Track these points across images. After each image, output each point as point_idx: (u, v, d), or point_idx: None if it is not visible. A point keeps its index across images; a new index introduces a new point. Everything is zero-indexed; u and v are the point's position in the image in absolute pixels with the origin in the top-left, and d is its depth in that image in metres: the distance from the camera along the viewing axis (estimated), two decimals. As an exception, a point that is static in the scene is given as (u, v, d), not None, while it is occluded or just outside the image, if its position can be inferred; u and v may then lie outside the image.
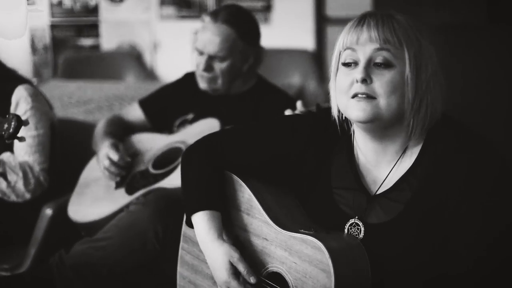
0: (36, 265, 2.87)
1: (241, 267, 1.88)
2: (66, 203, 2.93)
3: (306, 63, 5.38)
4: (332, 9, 5.39)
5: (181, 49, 5.41)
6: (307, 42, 5.44)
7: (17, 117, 2.54)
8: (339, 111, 1.86)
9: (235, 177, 2.02)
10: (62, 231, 2.87)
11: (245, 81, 2.95)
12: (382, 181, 1.85)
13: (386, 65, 1.74)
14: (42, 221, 2.97)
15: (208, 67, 2.85)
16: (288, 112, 2.38)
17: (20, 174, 2.90)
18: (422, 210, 1.77)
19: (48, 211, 2.97)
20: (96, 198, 2.85)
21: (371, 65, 1.75)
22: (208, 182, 2.01)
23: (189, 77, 3.05)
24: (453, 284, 1.77)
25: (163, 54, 5.60)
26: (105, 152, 2.82)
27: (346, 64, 1.79)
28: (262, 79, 3.02)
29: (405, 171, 1.82)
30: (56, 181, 3.07)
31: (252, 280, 1.87)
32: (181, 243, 2.22)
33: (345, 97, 1.79)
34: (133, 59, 5.58)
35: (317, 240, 1.74)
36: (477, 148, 1.78)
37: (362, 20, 1.79)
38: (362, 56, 1.76)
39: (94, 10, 5.72)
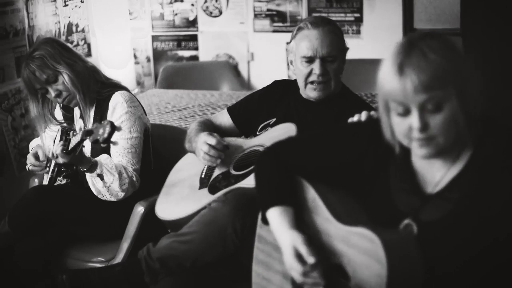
0: (129, 258, 3.05)
1: (302, 249, 1.99)
2: (156, 200, 3.07)
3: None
4: (421, 22, 5.34)
5: (274, 60, 5.42)
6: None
7: (111, 123, 2.75)
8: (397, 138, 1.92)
9: (301, 179, 2.15)
10: (153, 227, 3.02)
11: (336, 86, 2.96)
12: (436, 183, 1.93)
13: (437, 108, 1.79)
14: (135, 218, 3.17)
15: (325, 71, 2.85)
16: (355, 117, 2.43)
17: (116, 175, 3.09)
18: (472, 210, 1.83)
19: (140, 209, 3.16)
20: (181, 197, 2.97)
21: (423, 112, 1.80)
22: (279, 181, 2.15)
23: (276, 85, 3.13)
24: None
25: (257, 65, 5.66)
26: (203, 140, 2.91)
27: (400, 114, 1.84)
28: (346, 87, 3.04)
29: (457, 171, 1.90)
30: (149, 181, 3.23)
31: (310, 260, 1.96)
32: (256, 243, 2.35)
33: (406, 139, 1.86)
34: (229, 69, 5.62)
35: (372, 233, 1.84)
36: None
37: (401, 70, 1.78)
38: (413, 106, 1.79)
39: (193, 23, 5.84)
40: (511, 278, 1.84)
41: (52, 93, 3.20)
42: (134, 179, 3.14)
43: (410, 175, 1.99)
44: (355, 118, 2.42)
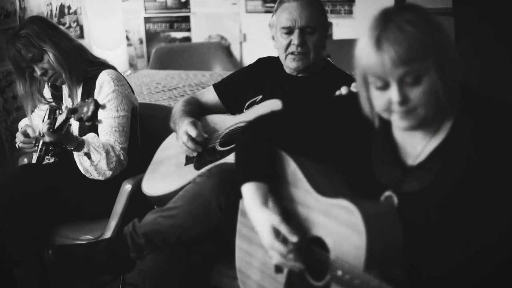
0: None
1: (283, 229, 2.01)
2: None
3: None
4: (413, 1, 5.31)
5: (266, 41, 5.42)
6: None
7: (95, 101, 2.76)
8: (375, 112, 1.93)
9: (282, 153, 2.17)
10: (140, 205, 3.03)
11: (318, 62, 2.97)
12: (417, 154, 1.94)
13: (417, 81, 1.80)
14: (122, 196, 3.18)
15: (303, 42, 2.86)
16: (337, 92, 2.47)
17: (103, 154, 3.09)
18: (453, 180, 1.85)
19: (128, 187, 3.18)
20: (167, 174, 2.99)
21: (402, 85, 1.81)
22: (258, 156, 2.17)
23: (262, 62, 3.13)
24: (484, 255, 1.84)
25: (250, 46, 5.66)
26: (185, 129, 2.93)
27: (379, 88, 1.85)
28: (330, 63, 3.05)
29: (438, 143, 1.91)
30: (137, 159, 3.25)
31: (294, 239, 1.99)
32: (239, 217, 2.39)
33: (387, 112, 1.87)
34: (221, 50, 5.63)
35: (352, 204, 1.85)
36: (507, 119, 1.85)
37: (378, 44, 1.78)
38: (392, 80, 1.81)
39: (185, 4, 5.84)
40: (493, 247, 1.84)
41: (38, 72, 3.20)
42: (122, 157, 3.15)
43: (391, 147, 2.00)
44: (337, 93, 2.44)
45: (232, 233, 2.46)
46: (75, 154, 3.12)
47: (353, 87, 2.45)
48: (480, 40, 4.50)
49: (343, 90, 2.39)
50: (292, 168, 2.12)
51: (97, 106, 2.77)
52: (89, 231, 3.22)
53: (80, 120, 2.81)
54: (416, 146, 1.96)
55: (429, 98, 1.81)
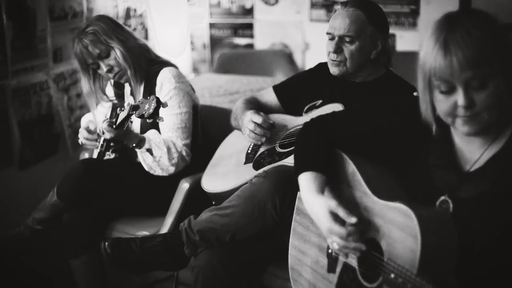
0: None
1: (340, 212, 2.00)
2: (201, 177, 3.13)
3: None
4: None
5: (329, 50, 5.45)
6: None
7: (157, 99, 2.79)
8: (435, 117, 1.93)
9: (342, 153, 2.17)
10: (197, 203, 3.06)
11: (374, 70, 2.97)
12: (474, 161, 1.92)
13: (483, 86, 1.78)
14: (180, 194, 3.22)
15: (338, 49, 2.88)
16: None
17: (164, 149, 3.13)
18: (510, 187, 1.83)
19: (186, 185, 3.21)
20: (226, 171, 3.03)
21: (469, 89, 1.79)
22: (316, 149, 2.18)
23: (321, 66, 3.13)
24: None
25: (312, 54, 5.65)
26: (249, 118, 2.96)
27: (444, 92, 1.83)
28: (391, 71, 3.04)
29: (497, 150, 1.89)
30: (196, 157, 3.27)
31: (352, 220, 1.97)
32: (294, 216, 2.40)
33: (450, 116, 1.85)
34: (283, 58, 5.63)
35: (408, 208, 1.85)
36: None
37: (445, 46, 1.77)
38: (459, 84, 1.79)
39: (249, 11, 5.87)
40: None
41: (104, 68, 3.26)
42: (184, 153, 3.18)
43: (448, 152, 1.99)
44: None
45: (286, 235, 2.47)
46: (138, 151, 3.16)
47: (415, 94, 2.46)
48: None
49: None
50: (351, 169, 2.13)
51: (159, 103, 2.80)
52: (146, 227, 3.27)
53: (141, 117, 2.84)
54: (473, 152, 1.94)
55: (494, 103, 1.79)
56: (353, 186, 2.11)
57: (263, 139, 2.96)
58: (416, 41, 5.24)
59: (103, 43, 3.21)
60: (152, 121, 3.09)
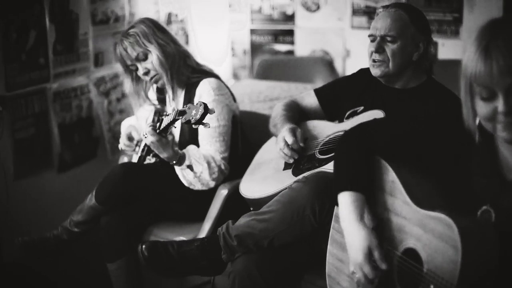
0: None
1: (377, 254, 2.02)
2: (239, 183, 3.12)
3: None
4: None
5: (370, 57, 5.40)
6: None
7: (205, 105, 2.79)
8: (478, 123, 1.91)
9: (382, 161, 2.15)
10: (235, 209, 3.05)
11: (416, 76, 2.96)
12: None
13: None
14: (218, 200, 3.22)
15: (379, 48, 2.88)
16: None
17: (205, 164, 3.13)
18: None
19: (224, 191, 3.21)
20: (265, 177, 3.02)
21: (509, 95, 1.76)
22: (358, 165, 2.16)
23: (363, 72, 3.12)
24: None
25: (353, 61, 5.61)
26: (283, 135, 2.96)
27: (485, 99, 1.81)
28: (433, 78, 3.02)
29: None
30: (237, 166, 3.28)
31: (383, 266, 1.99)
32: (332, 223, 2.38)
33: (490, 123, 1.83)
34: (324, 65, 5.60)
35: (449, 218, 1.82)
36: None
37: (487, 51, 1.75)
38: (499, 90, 1.77)
39: (290, 18, 5.85)
40: None
41: (141, 71, 3.29)
42: (223, 167, 3.19)
43: (491, 160, 1.96)
44: None
45: (324, 242, 2.45)
46: (178, 169, 3.17)
47: None
48: None
49: None
50: (391, 177, 2.11)
51: (206, 110, 2.80)
52: (183, 232, 3.27)
53: (187, 122, 2.84)
54: None
55: None
56: (393, 195, 2.09)
57: (291, 160, 2.96)
58: (459, 49, 5.18)
59: (141, 46, 3.24)
60: (190, 136, 3.10)
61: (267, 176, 3.02)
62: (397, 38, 2.87)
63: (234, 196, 3.12)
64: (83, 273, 3.59)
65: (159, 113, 3.41)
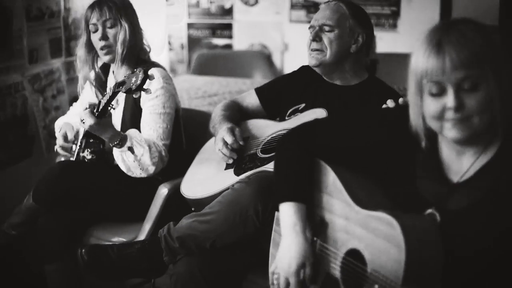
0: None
1: (308, 271, 2.06)
2: (180, 183, 3.08)
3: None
4: (458, 16, 5.28)
5: (309, 51, 5.42)
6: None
7: (144, 71, 2.76)
8: (425, 125, 1.91)
9: (322, 162, 2.14)
10: (176, 209, 3.01)
11: (357, 73, 2.98)
12: (464, 172, 1.90)
13: (474, 88, 1.77)
14: (158, 199, 3.17)
15: (316, 36, 2.90)
16: (388, 103, 2.47)
17: (146, 147, 3.07)
18: (500, 199, 1.81)
19: (164, 190, 3.16)
20: (207, 177, 2.99)
21: (460, 91, 1.78)
22: (299, 172, 2.14)
23: (305, 69, 3.12)
24: None
25: (291, 55, 5.64)
26: (221, 135, 2.94)
27: (434, 94, 1.82)
28: (374, 76, 3.05)
29: (486, 161, 1.86)
30: (177, 162, 3.23)
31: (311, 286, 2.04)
32: (274, 226, 2.36)
33: (438, 122, 1.84)
34: (262, 59, 5.61)
35: (391, 217, 1.81)
36: None
37: (439, 46, 1.77)
38: (450, 85, 1.78)
39: (228, 12, 5.83)
40: None
41: (99, 35, 3.28)
42: (163, 153, 3.14)
43: (436, 163, 1.96)
44: (384, 106, 2.45)
45: (267, 242, 2.43)
46: (117, 152, 3.10)
47: (400, 101, 2.45)
48: None
49: (390, 103, 2.42)
50: (331, 178, 2.09)
51: (147, 75, 2.76)
52: (123, 233, 3.21)
53: (128, 91, 2.80)
54: (462, 164, 1.92)
55: (484, 108, 1.78)
56: (335, 196, 2.08)
57: (230, 161, 2.94)
58: (396, 42, 5.23)
59: (118, 15, 3.27)
60: (131, 123, 3.05)
61: (209, 176, 2.99)
62: (334, 27, 2.90)
63: (175, 196, 3.08)
64: (21, 276, 3.50)
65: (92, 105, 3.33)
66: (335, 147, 2.14)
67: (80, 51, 3.42)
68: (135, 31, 3.33)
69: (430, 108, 1.83)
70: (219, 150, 2.94)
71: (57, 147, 3.43)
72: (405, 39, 5.34)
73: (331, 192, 2.09)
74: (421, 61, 1.81)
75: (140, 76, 2.76)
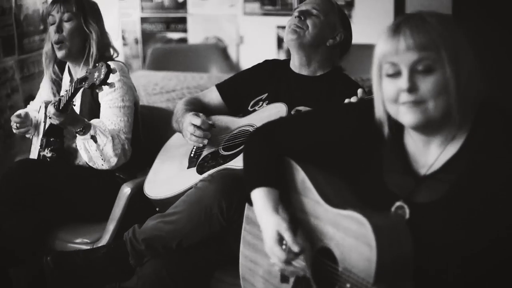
0: (115, 240, 3.02)
1: (287, 236, 1.96)
2: (143, 182, 3.05)
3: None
4: (412, 7, 5.35)
5: (264, 44, 5.42)
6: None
7: (107, 65, 2.72)
8: (387, 114, 1.92)
9: (291, 161, 2.13)
10: (140, 209, 2.99)
11: (324, 64, 3.00)
12: (430, 164, 1.91)
13: (428, 71, 1.79)
14: (121, 199, 3.12)
15: (302, 14, 2.92)
16: (347, 100, 2.48)
17: (110, 137, 3.03)
18: (468, 191, 1.82)
19: (127, 190, 3.12)
20: (169, 176, 2.97)
21: (414, 73, 1.81)
22: (267, 163, 2.13)
23: (267, 63, 3.14)
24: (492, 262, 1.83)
25: (247, 48, 5.64)
26: (189, 120, 2.91)
27: (390, 75, 1.85)
28: (338, 68, 3.06)
29: (453, 153, 1.88)
30: (138, 159, 3.21)
31: (295, 248, 1.94)
32: (244, 225, 2.35)
33: (394, 105, 1.86)
34: (218, 52, 5.61)
35: (361, 216, 1.81)
36: None
37: (397, 29, 1.81)
38: (404, 66, 1.81)
39: (182, 5, 5.80)
40: (508, 261, 1.82)
41: (54, 27, 3.25)
42: (126, 147, 3.10)
43: (402, 156, 1.97)
44: (346, 101, 2.45)
45: (233, 239, 2.44)
46: (80, 140, 3.06)
47: (359, 93, 2.46)
48: (480, 46, 4.50)
49: (353, 99, 2.42)
50: (301, 176, 2.09)
51: (109, 69, 2.72)
52: (87, 234, 3.17)
53: (92, 86, 2.76)
54: (428, 156, 1.93)
55: (439, 93, 1.80)
56: (304, 194, 2.08)
57: (205, 141, 2.90)
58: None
59: (80, 13, 3.26)
60: (90, 113, 3.04)
61: (172, 175, 2.97)
62: (321, 14, 2.93)
63: (138, 195, 3.04)
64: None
65: (48, 104, 3.27)
66: (301, 145, 2.14)
67: (46, 46, 3.38)
68: (103, 34, 3.31)
69: (387, 90, 1.86)
70: (191, 135, 2.89)
71: (13, 126, 3.38)
72: (360, 29, 5.34)
73: (301, 191, 2.09)
74: (381, 45, 1.84)
75: (103, 70, 2.72)
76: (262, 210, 2.07)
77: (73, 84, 2.86)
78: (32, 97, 3.68)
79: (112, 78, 3.07)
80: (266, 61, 3.17)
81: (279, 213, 2.04)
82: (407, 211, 1.91)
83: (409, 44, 1.78)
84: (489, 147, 1.83)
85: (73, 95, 2.88)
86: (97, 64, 2.80)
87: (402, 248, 1.82)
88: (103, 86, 2.77)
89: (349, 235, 1.86)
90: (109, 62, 3.10)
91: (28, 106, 3.55)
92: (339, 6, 3.03)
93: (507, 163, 1.80)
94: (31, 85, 4.20)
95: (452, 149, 1.89)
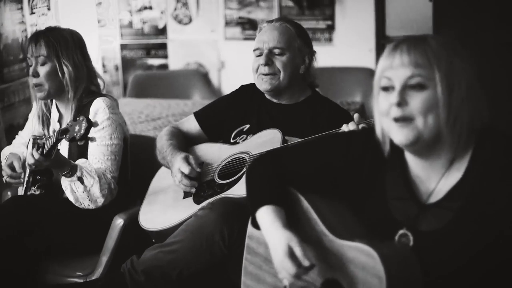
0: (108, 272, 2.98)
1: (298, 250, 1.94)
2: (136, 212, 3.03)
3: (367, 81, 5.32)
4: (393, 29, 5.40)
5: (245, 68, 5.38)
6: (369, 61, 5.43)
7: (87, 119, 2.70)
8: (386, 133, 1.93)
9: (294, 191, 2.12)
10: (133, 240, 2.97)
11: (301, 91, 3.00)
12: (431, 191, 1.92)
13: (419, 87, 1.82)
14: (114, 231, 3.08)
15: (268, 60, 2.89)
16: (344, 127, 2.49)
17: (96, 178, 3.01)
18: (472, 218, 1.83)
19: (120, 221, 3.08)
20: (165, 207, 2.94)
21: (406, 89, 1.83)
22: (272, 185, 2.12)
23: (244, 89, 3.13)
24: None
25: (228, 73, 5.64)
26: (177, 167, 2.88)
27: (385, 89, 1.87)
28: (317, 91, 3.07)
29: (456, 181, 1.88)
30: (127, 191, 3.19)
31: (306, 263, 1.92)
32: (245, 254, 2.31)
33: (387, 119, 1.88)
34: (199, 78, 5.60)
35: (370, 248, 1.82)
36: None
37: (396, 45, 1.86)
38: (397, 81, 1.84)
39: (162, 31, 5.80)
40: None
41: (31, 71, 3.19)
42: (112, 186, 3.08)
43: (405, 182, 1.98)
44: (343, 128, 2.45)
45: (234, 268, 2.39)
46: (66, 181, 3.03)
47: (356, 118, 2.47)
48: (458, 24, 4.59)
49: (351, 126, 2.45)
50: (305, 207, 2.08)
51: (90, 124, 2.71)
52: (80, 267, 3.12)
53: (72, 139, 2.74)
54: (430, 180, 1.93)
55: (428, 110, 1.81)
56: (309, 225, 2.06)
57: (193, 190, 2.88)
58: (332, 56, 5.29)
59: (52, 53, 3.16)
60: (79, 151, 3.02)
61: (167, 206, 2.94)
62: (285, 50, 2.90)
63: (131, 226, 3.01)
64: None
65: (37, 139, 3.24)
66: (303, 176, 2.14)
67: (30, 80, 3.36)
68: (79, 68, 3.22)
69: (380, 103, 1.89)
70: (179, 183, 2.88)
71: (5, 178, 3.33)
72: (341, 52, 5.39)
73: (305, 222, 2.07)
74: (381, 61, 1.89)
75: (84, 125, 2.70)
76: (270, 226, 2.04)
77: (55, 134, 2.84)
78: (13, 126, 3.63)
79: (100, 116, 3.10)
80: (242, 87, 3.17)
81: (289, 228, 2.01)
82: (411, 238, 1.91)
83: (404, 60, 1.83)
84: (492, 173, 1.84)
85: (55, 144, 2.87)
86: (78, 118, 2.77)
87: (411, 278, 1.82)
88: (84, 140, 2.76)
89: (357, 267, 1.86)
90: (97, 100, 3.12)
91: (16, 136, 3.50)
92: (295, 25, 2.99)
93: (510, 188, 1.81)
94: (12, 114, 4.15)
95: (454, 174, 1.90)
